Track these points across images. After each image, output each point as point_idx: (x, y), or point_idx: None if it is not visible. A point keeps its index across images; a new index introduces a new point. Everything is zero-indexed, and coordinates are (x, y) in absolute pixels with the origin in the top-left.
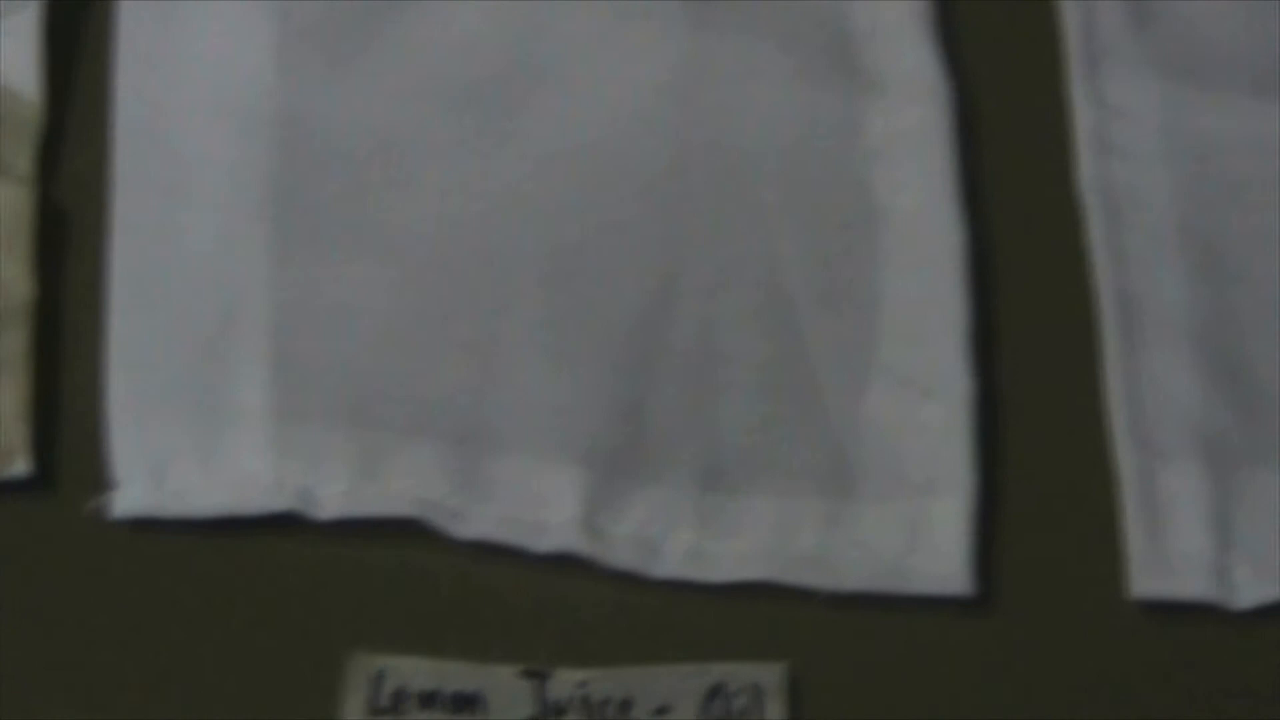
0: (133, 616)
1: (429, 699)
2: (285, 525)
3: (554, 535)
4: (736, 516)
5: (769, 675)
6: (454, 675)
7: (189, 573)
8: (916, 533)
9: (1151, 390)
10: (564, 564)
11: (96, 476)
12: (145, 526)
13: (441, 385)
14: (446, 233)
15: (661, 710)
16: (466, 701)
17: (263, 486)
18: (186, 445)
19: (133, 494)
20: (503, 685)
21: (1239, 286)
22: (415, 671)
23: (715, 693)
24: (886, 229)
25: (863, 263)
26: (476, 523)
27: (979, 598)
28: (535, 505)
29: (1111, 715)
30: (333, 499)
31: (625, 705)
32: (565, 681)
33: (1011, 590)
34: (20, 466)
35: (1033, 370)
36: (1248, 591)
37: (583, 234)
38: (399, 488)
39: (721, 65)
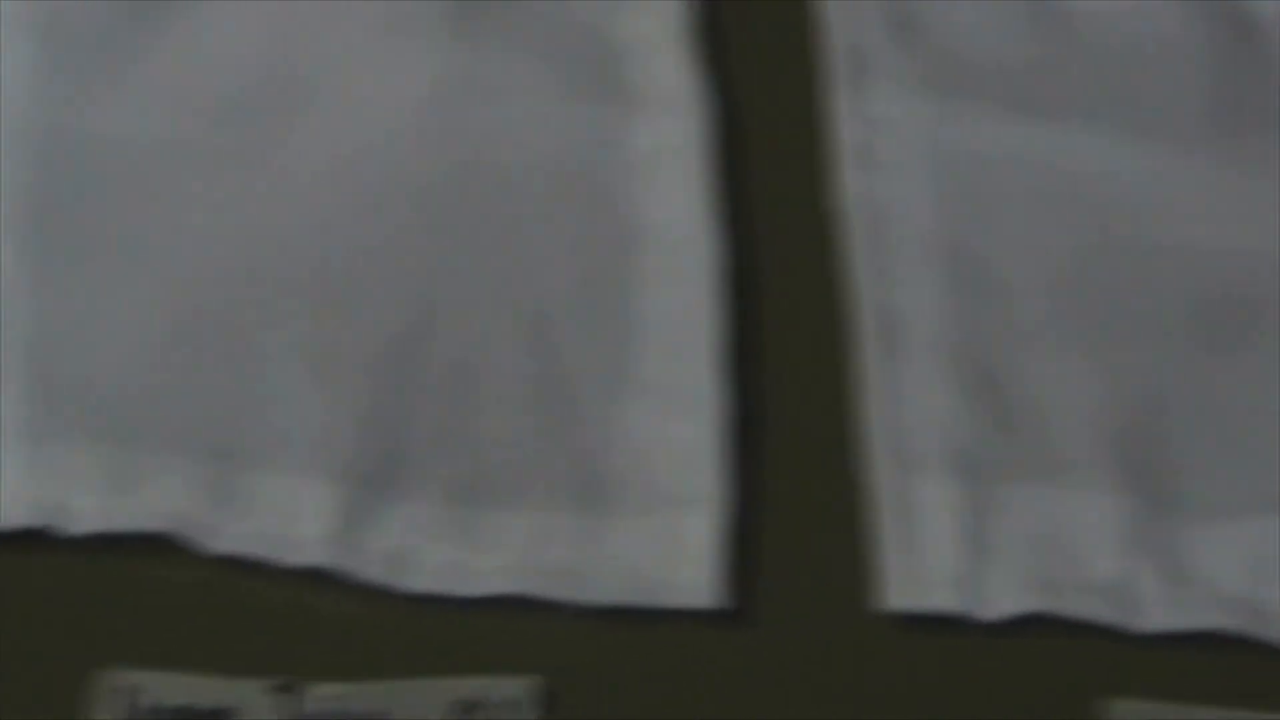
0: None
1: (181, 714)
2: (36, 540)
3: (307, 550)
4: (491, 531)
5: (523, 689)
6: (206, 690)
7: None
8: (668, 547)
9: (908, 404)
10: (319, 579)
11: None
12: None
13: (199, 401)
14: (206, 248)
15: None
16: (218, 716)
17: (15, 502)
18: None
19: None
20: (255, 700)
21: (998, 301)
22: (167, 687)
23: (470, 707)
24: (644, 244)
25: (620, 278)
26: (230, 538)
27: (732, 611)
28: (289, 520)
29: None
30: (85, 514)
31: None
32: (318, 696)
33: (765, 603)
34: None
35: (790, 384)
36: (998, 605)
37: (342, 250)
38: (152, 502)
39: (484, 80)
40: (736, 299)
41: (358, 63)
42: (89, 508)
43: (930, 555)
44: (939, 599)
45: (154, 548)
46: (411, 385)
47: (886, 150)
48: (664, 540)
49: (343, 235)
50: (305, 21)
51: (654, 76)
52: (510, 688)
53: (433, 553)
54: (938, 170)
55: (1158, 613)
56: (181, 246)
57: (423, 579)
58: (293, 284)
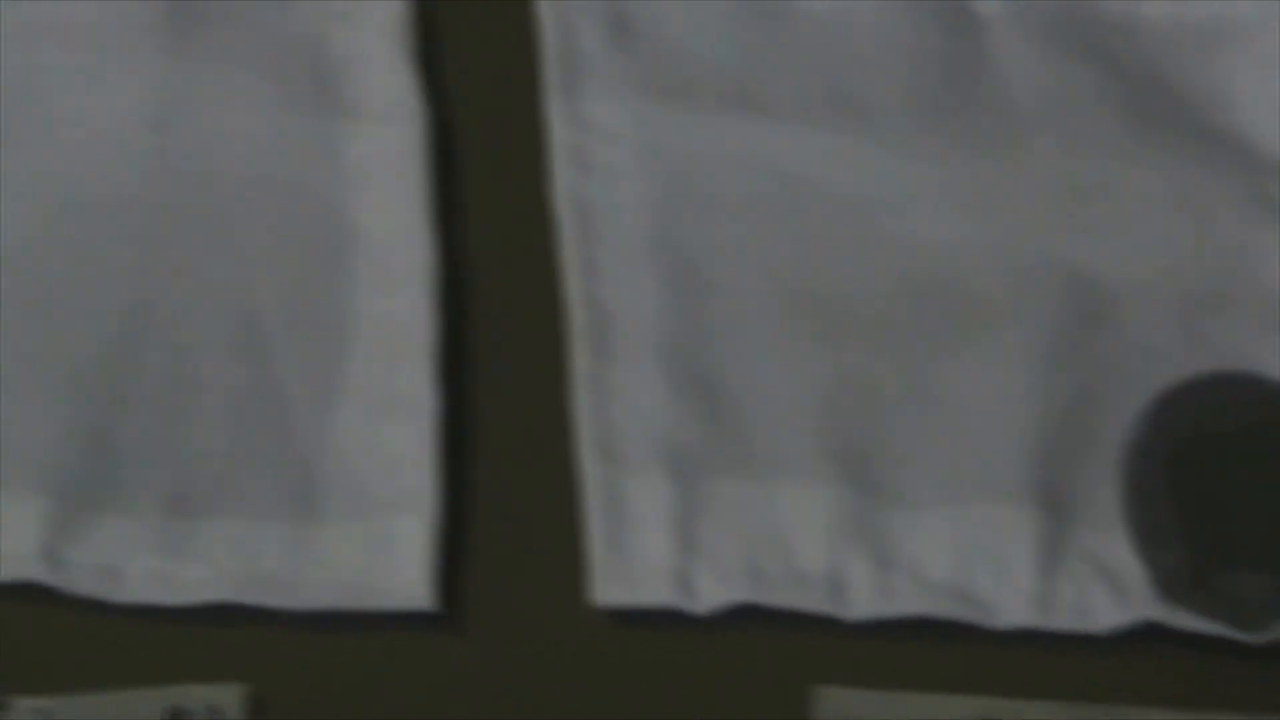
0: None
1: None
2: None
3: (12, 565)
4: (201, 540)
5: (228, 696)
6: None
7: None
8: (380, 550)
9: (619, 403)
10: (25, 592)
11: None
12: None
13: None
14: None
15: None
16: None
17: None
18: None
19: None
20: None
21: (712, 300)
22: None
23: (178, 715)
24: (359, 251)
25: (334, 286)
26: None
27: (445, 613)
28: None
29: None
30: None
31: None
32: (25, 709)
33: (479, 604)
34: None
35: (507, 387)
36: (709, 596)
37: (54, 264)
38: None
39: (201, 94)
40: (454, 303)
41: (76, 81)
42: None
43: (640, 550)
44: (649, 593)
45: None
46: (122, 398)
47: (600, 152)
48: (375, 544)
49: (53, 249)
50: (27, 42)
51: (371, 86)
52: (215, 694)
53: (140, 564)
54: (653, 171)
55: (866, 601)
56: None
57: (131, 590)
58: (3, 298)
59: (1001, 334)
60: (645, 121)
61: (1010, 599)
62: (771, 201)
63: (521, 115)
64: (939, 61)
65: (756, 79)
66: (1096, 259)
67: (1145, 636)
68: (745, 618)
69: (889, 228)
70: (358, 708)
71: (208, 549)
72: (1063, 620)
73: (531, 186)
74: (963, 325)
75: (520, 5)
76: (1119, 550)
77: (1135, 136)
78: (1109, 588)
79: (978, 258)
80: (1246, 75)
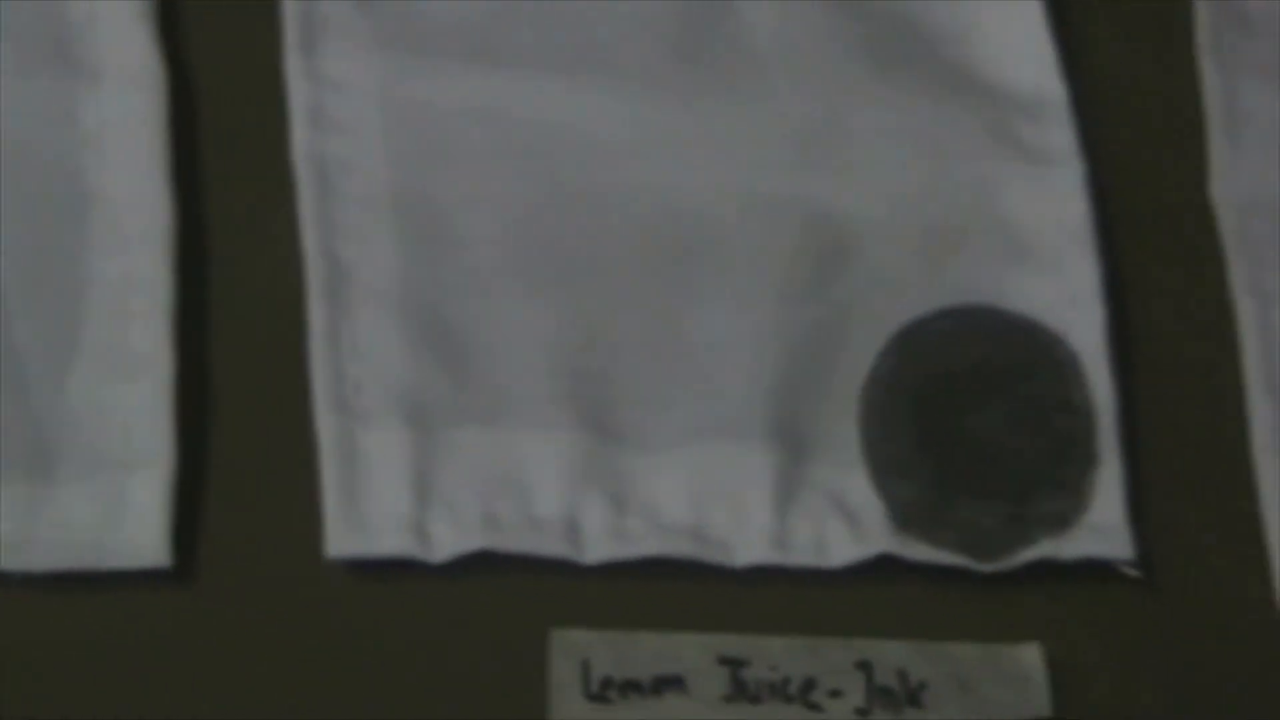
0: None
1: None
2: None
3: None
4: None
5: None
6: None
7: None
8: (114, 509)
9: (355, 355)
10: None
11: None
12: None
13: None
14: None
15: None
16: None
17: None
18: None
19: None
20: None
21: (452, 251)
22: None
23: None
24: (96, 214)
25: (71, 248)
26: None
27: (182, 570)
28: None
29: (323, 677)
30: None
31: None
32: None
33: (216, 560)
34: None
35: (246, 345)
36: (444, 546)
37: None
38: None
39: None
40: (193, 263)
41: None
42: None
43: (375, 501)
44: (385, 543)
45: None
46: None
47: (339, 109)
48: (110, 503)
49: None
50: None
51: (109, 48)
52: None
53: None
54: (393, 126)
55: (603, 543)
56: None
57: None
58: None
59: (739, 275)
60: (385, 77)
61: (747, 537)
62: (512, 152)
63: (263, 74)
64: (680, 7)
65: (497, 30)
66: (835, 198)
67: (882, 568)
68: (484, 564)
69: (628, 174)
70: (95, 667)
71: None
72: (800, 556)
73: (273, 146)
74: (700, 267)
75: None
76: (857, 485)
77: (874, 75)
78: (845, 522)
79: (715, 200)
80: (986, 13)
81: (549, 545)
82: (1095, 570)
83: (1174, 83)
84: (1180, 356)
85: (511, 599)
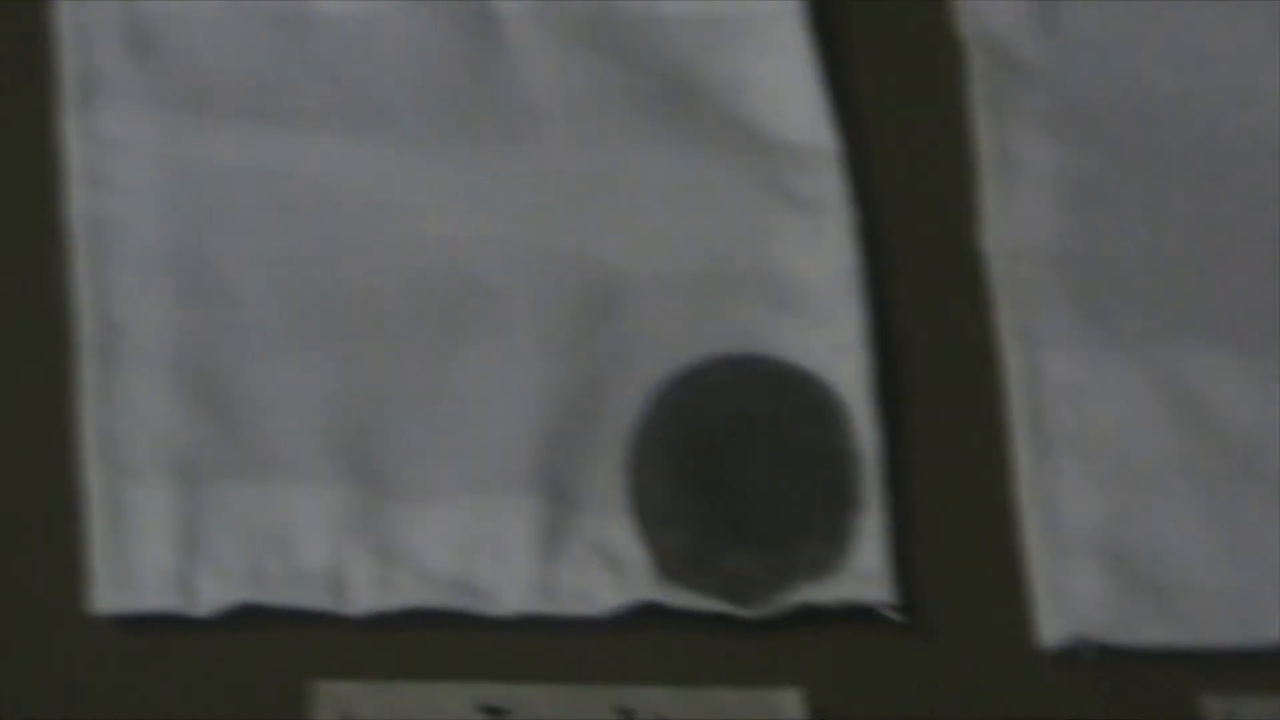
0: None
1: None
2: None
3: None
4: None
5: None
6: None
7: None
8: None
9: (125, 411)
10: None
11: None
12: None
13: None
14: None
15: None
16: None
17: None
18: None
19: None
20: None
21: (226, 307)
22: None
23: None
24: None
25: None
26: None
27: None
28: None
29: None
30: None
31: None
32: None
33: None
34: None
35: (17, 402)
36: (210, 598)
37: None
38: None
39: None
40: None
41: None
42: None
43: (140, 555)
44: (150, 598)
45: None
46: None
47: (116, 167)
48: None
49: None
50: None
51: None
52: None
53: None
54: (170, 184)
55: (367, 595)
56: None
57: None
58: None
59: (511, 329)
60: (163, 135)
61: (511, 586)
62: (288, 209)
63: (39, 133)
64: (460, 63)
65: (275, 88)
66: (609, 250)
67: (648, 616)
68: (250, 618)
69: (403, 229)
70: None
71: None
72: (564, 605)
73: (49, 206)
74: (473, 321)
75: (35, 19)
76: (622, 534)
77: (649, 127)
78: (610, 571)
79: (490, 254)
80: (758, 66)
81: (313, 598)
82: (860, 615)
83: (947, 132)
84: (946, 403)
85: (276, 652)
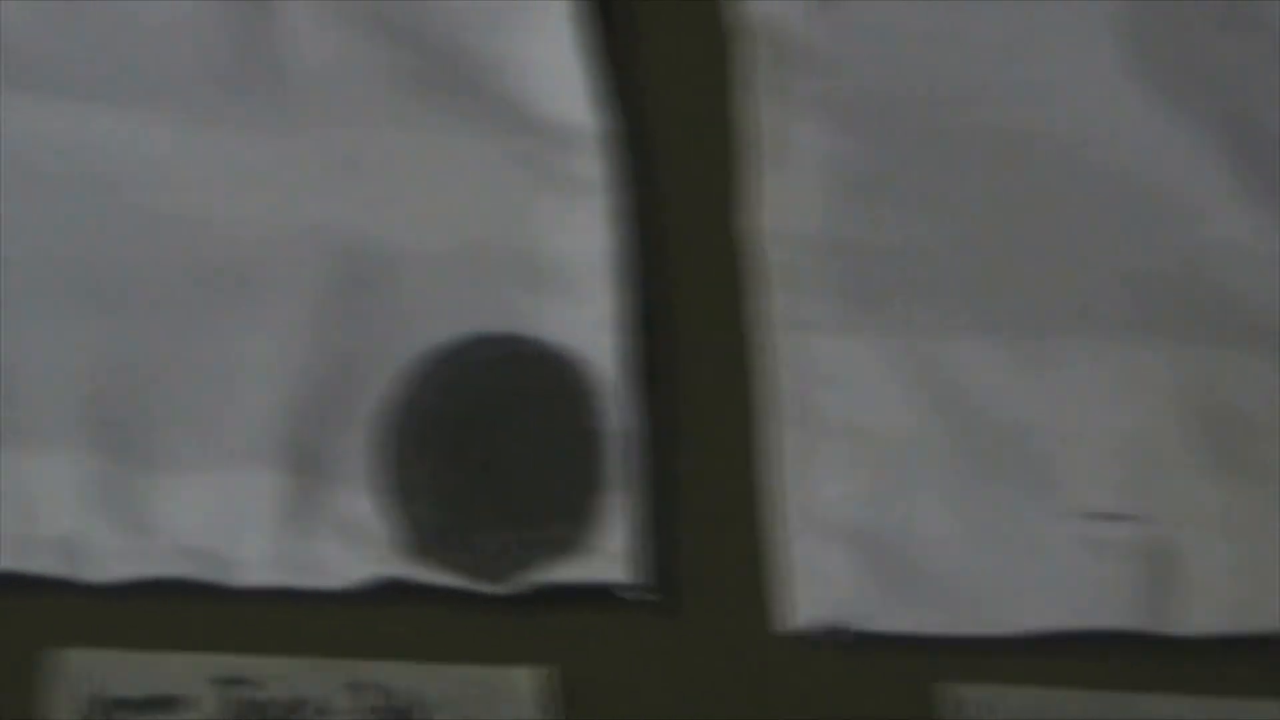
0: None
1: None
2: None
3: None
4: None
5: None
6: None
7: None
8: None
9: None
10: None
11: None
12: None
13: None
14: None
15: None
16: None
17: None
18: None
19: None
20: None
21: None
22: None
23: None
24: None
25: None
26: None
27: None
28: None
29: None
30: None
31: None
32: None
33: None
34: None
35: None
36: None
37: None
38: None
39: None
40: None
41: None
42: None
43: None
44: None
45: None
46: None
47: None
48: None
49: None
50: None
51: None
52: None
53: None
54: None
55: (114, 564)
56: None
57: None
58: None
59: (266, 304)
60: None
61: (254, 558)
62: (51, 180)
63: None
64: (228, 41)
65: (46, 60)
66: (369, 227)
67: (394, 592)
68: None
69: (167, 201)
70: None
71: None
72: (305, 577)
73: None
74: (229, 296)
75: None
76: (369, 509)
77: (413, 104)
78: (356, 545)
79: (248, 229)
80: (527, 46)
81: (50, 565)
82: (611, 594)
83: (720, 116)
84: (706, 385)
85: (13, 620)
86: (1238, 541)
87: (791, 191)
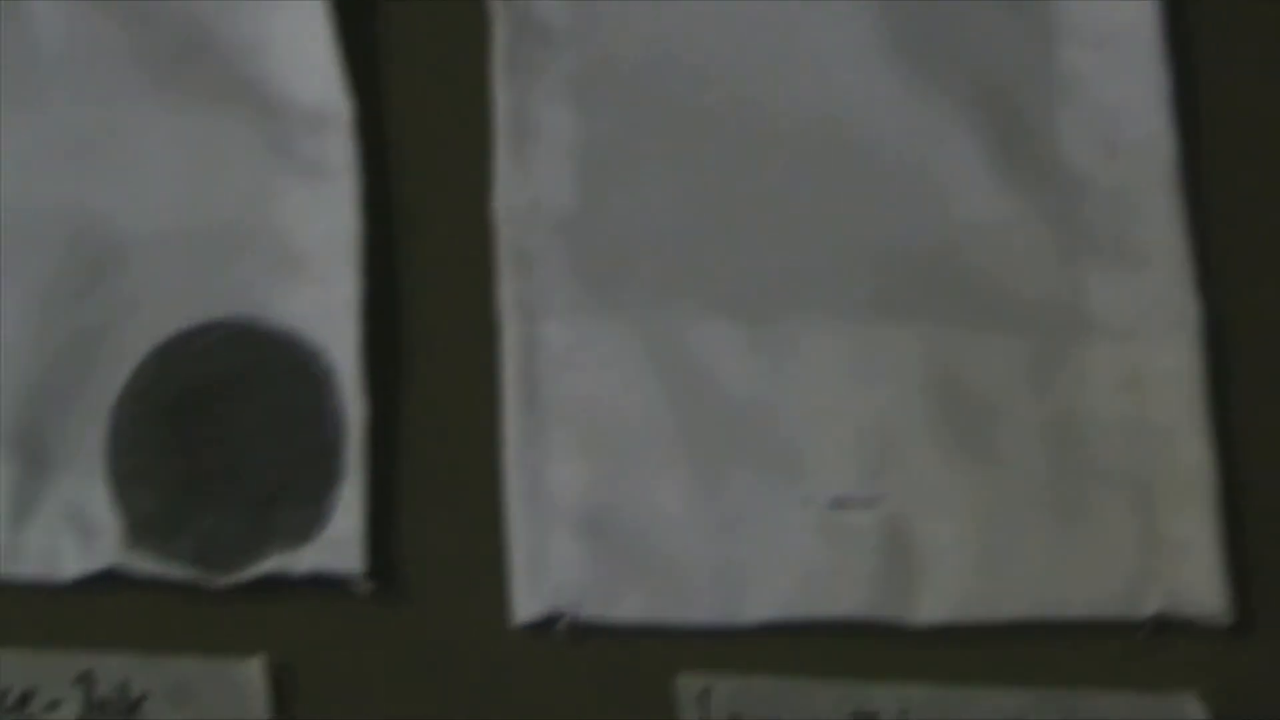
0: None
1: None
2: None
3: None
4: None
5: None
6: None
7: None
8: None
9: None
10: None
11: None
12: None
13: None
14: None
15: None
16: None
17: None
18: None
19: None
20: None
21: None
22: None
23: None
24: None
25: None
26: None
27: None
28: None
29: None
30: None
31: None
32: None
33: None
34: None
35: None
36: None
37: None
38: None
39: None
40: None
41: None
42: None
43: None
44: None
45: None
46: None
47: None
48: None
49: None
50: None
51: None
52: None
53: None
54: None
55: None
56: None
57: None
58: None
59: (1, 285)
60: None
61: None
62: None
63: None
64: None
65: None
66: (106, 207)
67: (120, 581)
68: None
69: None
70: None
71: None
72: (29, 568)
73: None
74: None
75: None
76: (96, 497)
77: (156, 84)
78: (81, 535)
79: None
80: (273, 27)
81: None
82: (340, 584)
83: (468, 97)
84: (447, 371)
85: None
86: (975, 528)
87: (535, 172)
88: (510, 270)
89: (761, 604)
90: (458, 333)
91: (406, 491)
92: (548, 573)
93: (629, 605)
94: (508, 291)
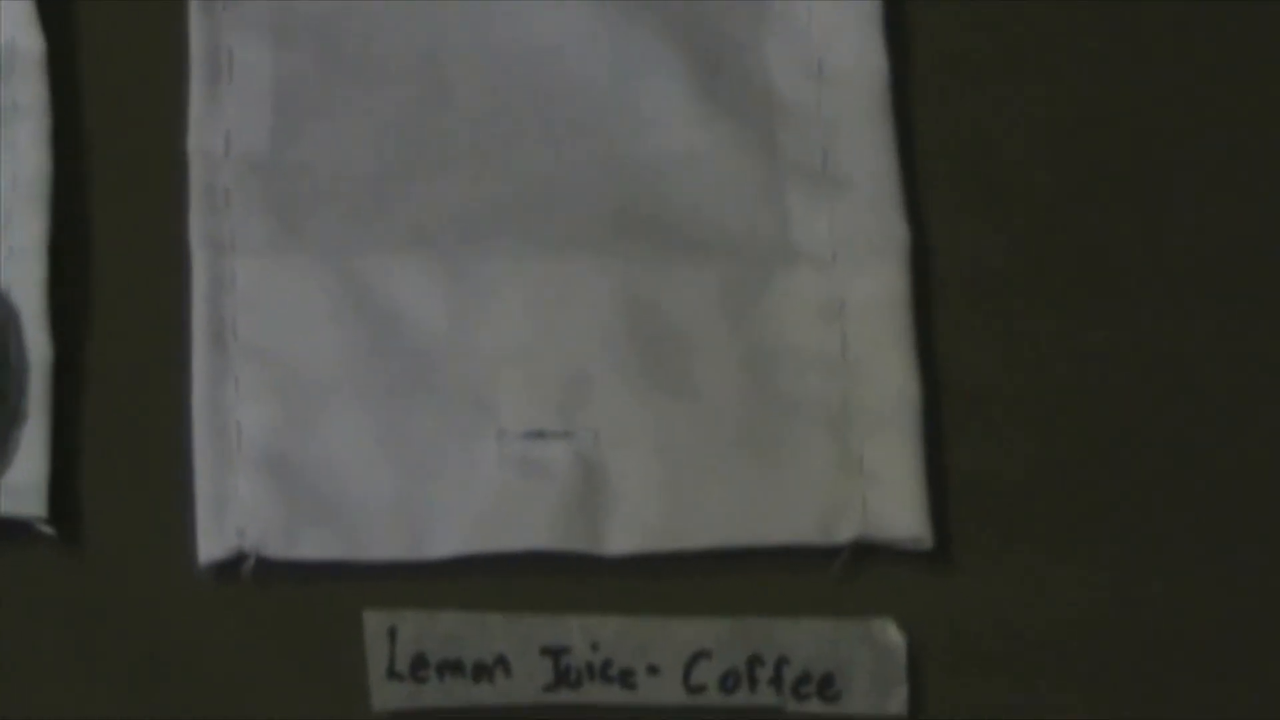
0: None
1: None
2: None
3: None
4: None
5: None
6: None
7: None
8: None
9: None
10: None
11: None
12: None
13: None
14: None
15: None
16: None
17: None
18: None
19: None
20: None
21: None
22: None
23: None
24: None
25: None
26: None
27: None
28: None
29: None
30: None
31: None
32: None
33: None
34: None
35: None
36: None
37: None
38: None
39: None
40: None
41: None
42: None
43: None
44: None
45: None
46: None
47: None
48: None
49: None
50: None
51: None
52: None
53: None
54: None
55: None
56: None
57: None
58: None
59: None
60: None
61: None
62: None
63: None
64: None
65: None
66: None
67: None
68: None
69: None
70: None
71: None
72: None
73: None
74: None
75: None
76: None
77: None
78: None
79: None
80: None
81: None
82: (18, 529)
83: (163, 34)
84: (137, 312)
85: None
86: (666, 459)
87: (229, 110)
88: (200, 207)
89: (445, 539)
90: (147, 273)
91: (92, 434)
92: (232, 513)
93: (313, 544)
94: (197, 228)
